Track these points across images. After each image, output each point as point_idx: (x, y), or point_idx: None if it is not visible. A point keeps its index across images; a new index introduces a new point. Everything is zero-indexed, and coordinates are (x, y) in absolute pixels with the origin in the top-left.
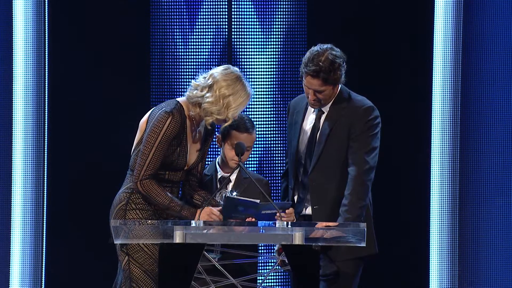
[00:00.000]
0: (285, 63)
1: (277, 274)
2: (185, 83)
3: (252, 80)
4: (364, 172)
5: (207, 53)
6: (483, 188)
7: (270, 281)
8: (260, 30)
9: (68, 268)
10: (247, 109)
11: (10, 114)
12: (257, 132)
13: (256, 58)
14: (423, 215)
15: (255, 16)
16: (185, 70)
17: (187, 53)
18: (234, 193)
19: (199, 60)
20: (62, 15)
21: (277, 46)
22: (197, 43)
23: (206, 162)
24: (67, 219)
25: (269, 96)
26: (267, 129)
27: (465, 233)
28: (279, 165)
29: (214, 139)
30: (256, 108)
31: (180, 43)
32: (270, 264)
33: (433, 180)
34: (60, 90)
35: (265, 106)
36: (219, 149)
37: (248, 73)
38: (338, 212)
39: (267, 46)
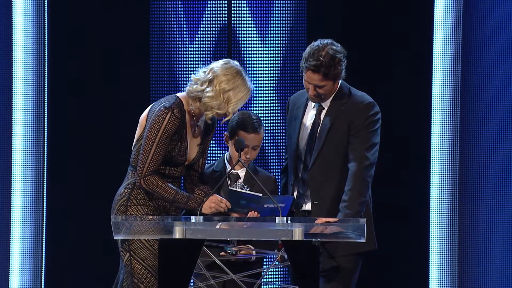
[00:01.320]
0: (286, 58)
1: (276, 269)
2: (184, 79)
3: (253, 75)
4: (364, 168)
5: (206, 48)
6: (482, 179)
7: (270, 276)
8: (260, 25)
9: (68, 259)
10: (248, 106)
11: (10, 104)
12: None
13: (257, 53)
14: (423, 208)
15: (255, 11)
16: (184, 65)
17: (187, 49)
18: (246, 187)
19: (199, 55)
20: (62, 10)
21: (277, 42)
22: (196, 39)
23: (213, 158)
24: (67, 211)
25: (270, 91)
26: (268, 125)
27: (465, 224)
28: (280, 160)
29: (215, 134)
30: (257, 103)
31: (179, 39)
32: (270, 259)
33: (433, 172)
34: (60, 86)
35: (266, 101)
36: (226, 145)
37: (248, 68)
38: (338, 208)
39: (267, 41)
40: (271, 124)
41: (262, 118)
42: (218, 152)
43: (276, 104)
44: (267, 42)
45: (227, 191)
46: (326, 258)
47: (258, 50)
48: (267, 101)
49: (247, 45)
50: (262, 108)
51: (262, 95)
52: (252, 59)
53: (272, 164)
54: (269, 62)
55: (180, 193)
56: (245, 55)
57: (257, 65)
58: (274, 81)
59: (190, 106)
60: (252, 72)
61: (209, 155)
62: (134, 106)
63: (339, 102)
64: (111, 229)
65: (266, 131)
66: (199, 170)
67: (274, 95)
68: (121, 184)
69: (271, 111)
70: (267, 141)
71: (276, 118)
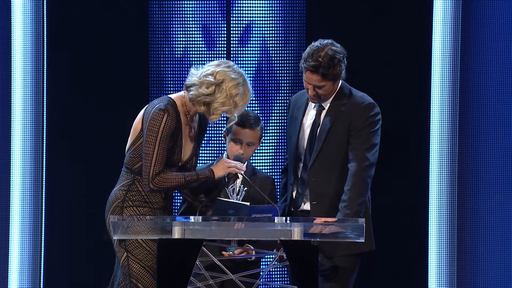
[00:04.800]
0: (284, 59)
1: (275, 269)
2: (184, 79)
3: (257, 76)
4: (364, 169)
5: (206, 49)
6: (481, 177)
7: (269, 276)
8: (259, 25)
9: (67, 258)
10: (257, 106)
11: (9, 103)
12: (267, 129)
13: (254, 54)
14: (422, 206)
15: (255, 12)
16: (185, 66)
17: (187, 49)
18: (243, 187)
19: (199, 56)
20: (61, 7)
21: (276, 42)
22: (196, 39)
23: (211, 156)
24: (66, 210)
25: (269, 92)
26: (275, 125)
27: (464, 222)
28: (276, 161)
29: (213, 133)
30: (257, 104)
31: (180, 39)
32: (268, 259)
33: (432, 170)
34: (59, 85)
35: (265, 102)
36: (225, 145)
37: (246, 69)
38: (337, 208)
39: (266, 41)
40: (270, 125)
41: (271, 119)
42: (214, 149)
43: (276, 105)
44: (265, 42)
45: (215, 201)
46: (324, 258)
47: (256, 51)
48: (266, 102)
49: (246, 45)
50: (262, 109)
51: (262, 96)
52: (250, 59)
53: (270, 164)
54: (268, 62)
55: (188, 175)
56: (243, 55)
57: (256, 65)
58: (273, 81)
59: (184, 107)
60: (251, 72)
61: (208, 153)
62: (133, 104)
63: (340, 102)
64: (106, 229)
65: (266, 132)
66: (191, 170)
67: (273, 96)
68: (115, 185)
69: (271, 112)
70: (276, 142)
71: (274, 118)
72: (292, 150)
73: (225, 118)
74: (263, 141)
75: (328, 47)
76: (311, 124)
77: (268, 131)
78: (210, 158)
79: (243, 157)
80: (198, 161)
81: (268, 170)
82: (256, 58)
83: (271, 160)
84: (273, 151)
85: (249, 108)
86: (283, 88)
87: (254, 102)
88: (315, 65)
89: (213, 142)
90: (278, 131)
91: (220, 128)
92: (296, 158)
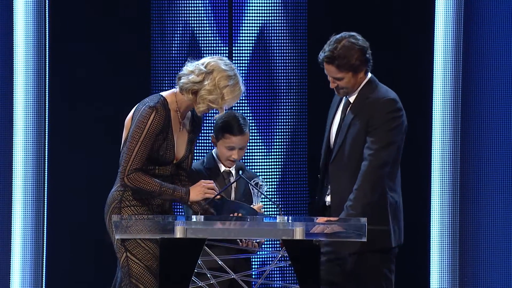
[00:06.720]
0: (284, 58)
1: (277, 269)
2: None
3: (248, 75)
4: (374, 168)
5: (206, 49)
6: (483, 169)
7: (270, 276)
8: (260, 25)
9: (69, 249)
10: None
11: (11, 94)
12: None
13: (252, 53)
14: (424, 199)
15: (256, 11)
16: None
17: (187, 49)
18: (241, 172)
19: (200, 55)
20: (62, 5)
21: (276, 42)
22: (197, 39)
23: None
24: (68, 202)
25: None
26: (280, 125)
27: (466, 215)
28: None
29: (203, 131)
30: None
31: (180, 37)
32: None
33: (434, 162)
34: (61, 76)
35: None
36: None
37: (243, 69)
38: None
39: (265, 40)
40: (278, 122)
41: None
42: (205, 148)
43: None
44: (267, 41)
45: (225, 202)
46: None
47: (259, 51)
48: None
49: (246, 45)
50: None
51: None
52: (253, 59)
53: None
54: (267, 61)
55: (165, 185)
56: (245, 55)
57: (256, 65)
58: (274, 82)
59: (175, 104)
60: (249, 71)
61: (204, 151)
62: (134, 93)
63: (364, 97)
64: (106, 233)
65: (275, 129)
66: (188, 169)
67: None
68: (112, 186)
69: (281, 112)
70: (281, 139)
71: (280, 118)
72: (325, 144)
73: (217, 113)
74: (274, 140)
75: (347, 39)
76: (339, 119)
77: (275, 129)
78: (200, 156)
79: (234, 160)
80: (195, 158)
81: (279, 170)
82: (260, 58)
83: (282, 161)
84: (284, 152)
85: (247, 110)
86: (289, 89)
87: (261, 102)
88: (329, 55)
89: (210, 140)
90: (284, 129)
91: (209, 127)
92: (327, 152)
